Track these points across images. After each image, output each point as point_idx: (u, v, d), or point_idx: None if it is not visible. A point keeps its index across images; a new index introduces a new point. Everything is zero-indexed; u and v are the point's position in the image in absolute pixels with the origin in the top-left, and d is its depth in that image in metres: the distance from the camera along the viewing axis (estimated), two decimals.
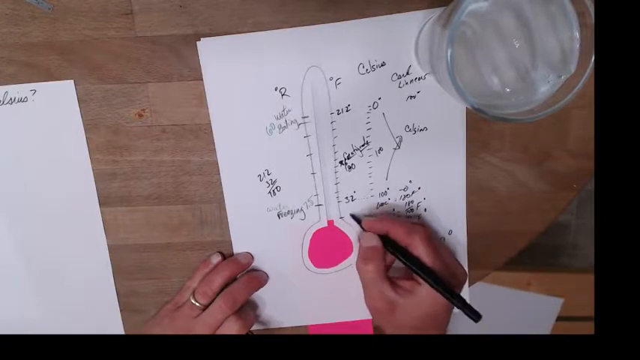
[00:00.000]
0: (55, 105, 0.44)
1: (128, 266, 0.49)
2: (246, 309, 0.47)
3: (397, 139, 0.44)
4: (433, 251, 0.42)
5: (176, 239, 0.48)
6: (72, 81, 0.43)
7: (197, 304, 0.44)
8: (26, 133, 0.44)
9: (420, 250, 0.42)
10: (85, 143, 0.45)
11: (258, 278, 0.47)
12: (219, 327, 0.44)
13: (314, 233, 0.47)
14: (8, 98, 0.43)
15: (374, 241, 0.44)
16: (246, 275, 0.47)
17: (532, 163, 0.46)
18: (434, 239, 0.45)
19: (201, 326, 0.44)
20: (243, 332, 0.45)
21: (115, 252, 0.48)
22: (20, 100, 0.43)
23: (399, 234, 0.43)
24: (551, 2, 0.33)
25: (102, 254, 0.48)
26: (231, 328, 0.44)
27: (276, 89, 0.43)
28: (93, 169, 0.46)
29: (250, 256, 0.47)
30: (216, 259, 0.47)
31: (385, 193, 0.46)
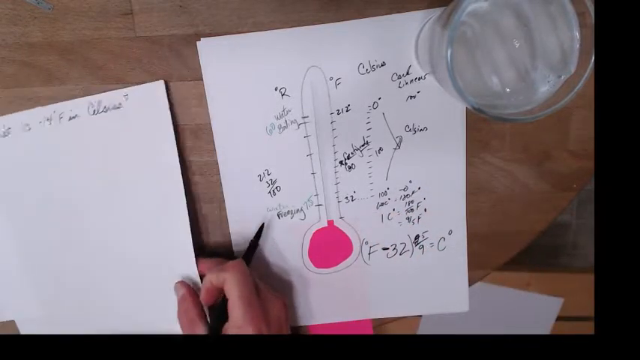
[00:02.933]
0: (146, 107, 0.43)
1: None
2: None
3: (397, 139, 0.44)
4: None
5: None
6: (162, 81, 0.43)
7: None
8: (120, 139, 0.44)
9: None
10: (175, 145, 0.44)
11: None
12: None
13: (314, 233, 0.47)
14: (102, 107, 0.43)
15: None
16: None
17: (532, 163, 0.46)
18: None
19: None
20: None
21: None
22: (114, 107, 0.43)
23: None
24: (551, 2, 0.33)
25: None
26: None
27: (276, 89, 0.43)
28: None
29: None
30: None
31: (385, 193, 0.46)
